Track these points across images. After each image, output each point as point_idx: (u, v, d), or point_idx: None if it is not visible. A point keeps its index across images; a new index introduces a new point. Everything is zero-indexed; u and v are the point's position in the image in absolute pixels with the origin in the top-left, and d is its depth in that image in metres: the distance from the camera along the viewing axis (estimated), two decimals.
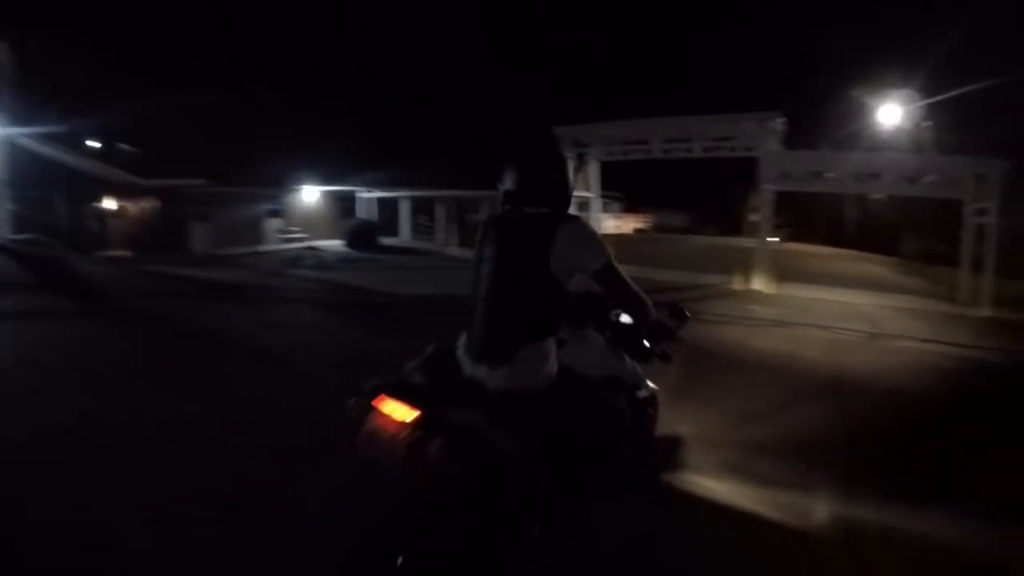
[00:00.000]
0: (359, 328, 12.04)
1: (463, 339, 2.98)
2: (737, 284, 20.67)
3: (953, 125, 25.51)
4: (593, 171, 25.24)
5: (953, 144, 24.62)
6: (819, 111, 27.57)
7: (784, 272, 22.59)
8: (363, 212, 32.27)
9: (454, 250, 27.52)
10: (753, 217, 53.85)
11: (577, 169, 20.71)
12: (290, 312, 13.75)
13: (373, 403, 2.61)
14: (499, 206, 3.09)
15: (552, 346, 2.85)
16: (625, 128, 23.70)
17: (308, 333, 11.41)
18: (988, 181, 19.06)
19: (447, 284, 18.00)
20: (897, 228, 40.26)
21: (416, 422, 2.48)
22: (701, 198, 52.88)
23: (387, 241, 30.04)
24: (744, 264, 21.12)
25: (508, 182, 2.99)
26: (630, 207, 49.68)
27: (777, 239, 28.07)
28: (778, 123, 21.15)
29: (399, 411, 2.52)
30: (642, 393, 3.76)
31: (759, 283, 20.50)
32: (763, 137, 20.76)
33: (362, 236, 28.59)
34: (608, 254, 2.79)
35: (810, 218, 47.16)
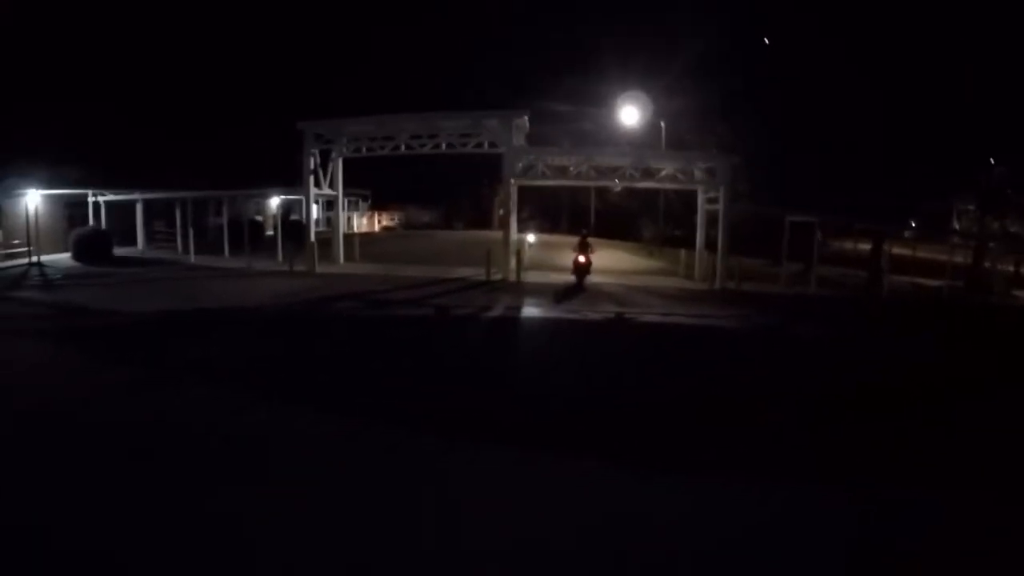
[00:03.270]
0: (85, 357, 9.84)
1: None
2: (486, 276, 20.10)
3: (687, 125, 27.41)
4: (338, 168, 23.43)
5: (688, 141, 26.48)
6: (565, 110, 28.12)
7: (533, 261, 23.00)
8: (95, 219, 27.49)
9: (195, 258, 24.04)
10: (502, 211, 55.35)
11: (321, 165, 18.89)
12: (9, 345, 10.77)
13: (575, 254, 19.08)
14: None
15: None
16: (371, 123, 22.17)
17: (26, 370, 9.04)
18: (718, 173, 20.47)
19: (188, 297, 15.74)
20: (635, 217, 43.42)
21: (585, 259, 18.92)
22: (449, 193, 52.71)
23: (123, 252, 25.75)
24: (492, 256, 20.61)
25: None
26: (378, 204, 47.90)
27: (532, 234, 28.36)
28: (523, 120, 21.01)
29: (582, 257, 18.92)
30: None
31: (507, 274, 20.25)
32: (508, 133, 20.45)
33: (93, 247, 23.92)
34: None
35: (556, 210, 49.02)
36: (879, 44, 24.91)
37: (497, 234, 38.97)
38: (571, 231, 47.08)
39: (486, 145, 21.71)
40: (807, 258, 21.75)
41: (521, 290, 18.10)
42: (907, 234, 24.87)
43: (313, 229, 22.56)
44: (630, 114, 26.75)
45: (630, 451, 6.27)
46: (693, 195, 23.28)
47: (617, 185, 25.53)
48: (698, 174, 21.34)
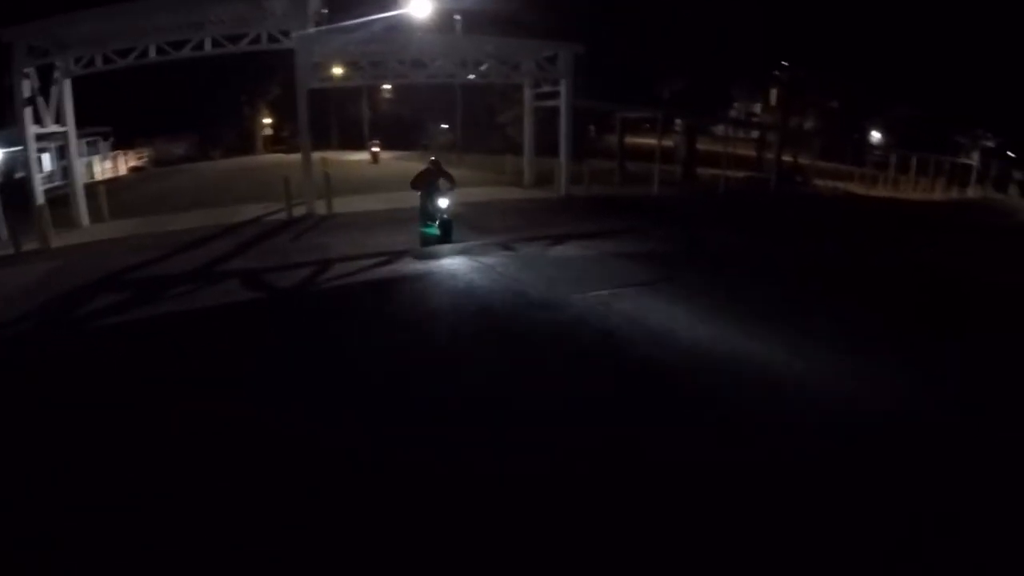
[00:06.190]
0: None
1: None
2: (288, 212, 15.59)
3: (486, 18, 24.70)
4: (66, 93, 17.08)
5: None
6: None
7: (335, 185, 17.02)
8: None
9: None
10: (267, 131, 48.85)
11: (41, 92, 12.92)
12: None
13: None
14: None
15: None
16: (112, 17, 15.84)
17: None
18: (560, 63, 18.14)
19: None
20: (411, 124, 40.75)
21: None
22: (201, 119, 43.35)
23: None
24: (279, 186, 16.05)
25: None
26: (119, 143, 37.83)
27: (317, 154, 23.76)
28: (316, 2, 16.59)
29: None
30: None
31: (314, 206, 16.00)
32: (303, 17, 16.07)
33: None
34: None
35: (324, 123, 42.77)
36: None
37: (267, 158, 33.91)
38: (345, 146, 42.27)
39: (265, 38, 17.00)
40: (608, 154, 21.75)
41: (345, 227, 14.01)
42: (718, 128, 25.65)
43: (41, 186, 16.20)
44: (421, 6, 23.07)
45: None
46: (489, 95, 20.96)
47: (430, 79, 21.71)
48: (527, 66, 18.84)
